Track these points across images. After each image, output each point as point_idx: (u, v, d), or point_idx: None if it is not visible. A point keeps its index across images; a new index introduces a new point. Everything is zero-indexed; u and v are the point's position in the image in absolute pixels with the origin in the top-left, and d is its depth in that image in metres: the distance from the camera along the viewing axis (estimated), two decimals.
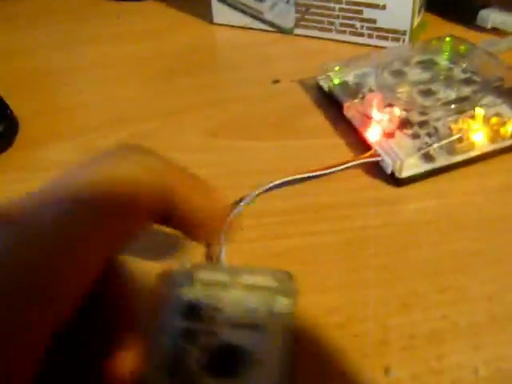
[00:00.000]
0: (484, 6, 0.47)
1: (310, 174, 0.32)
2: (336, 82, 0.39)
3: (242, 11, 0.46)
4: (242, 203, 0.31)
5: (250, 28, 0.47)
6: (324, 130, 0.37)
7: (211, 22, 0.49)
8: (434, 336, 0.25)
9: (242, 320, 0.21)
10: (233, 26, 0.48)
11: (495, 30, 0.46)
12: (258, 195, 0.31)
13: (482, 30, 0.46)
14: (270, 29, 0.46)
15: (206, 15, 0.50)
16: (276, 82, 0.42)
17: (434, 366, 0.24)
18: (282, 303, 0.23)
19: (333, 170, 0.32)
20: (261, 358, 0.21)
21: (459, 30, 0.47)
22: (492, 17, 0.46)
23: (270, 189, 0.32)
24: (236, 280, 0.23)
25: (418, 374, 0.24)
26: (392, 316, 0.26)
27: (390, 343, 0.25)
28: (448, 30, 0.44)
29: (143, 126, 0.39)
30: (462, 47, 0.41)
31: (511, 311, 0.26)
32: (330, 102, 0.39)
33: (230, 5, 0.46)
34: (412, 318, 0.25)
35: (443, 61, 0.40)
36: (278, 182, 0.32)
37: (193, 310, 0.22)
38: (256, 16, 0.46)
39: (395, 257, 0.28)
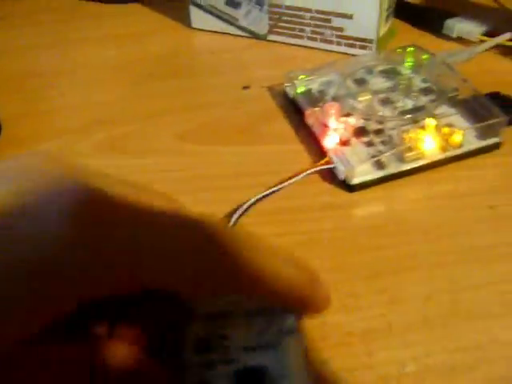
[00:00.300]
0: (450, 16, 0.48)
1: (271, 190, 0.34)
2: (300, 90, 0.41)
3: (219, 17, 0.48)
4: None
5: (227, 33, 0.49)
6: (287, 137, 0.39)
7: (190, 26, 0.51)
8: (369, 334, 0.27)
9: (253, 342, 0.22)
10: (210, 31, 0.50)
11: (461, 39, 0.48)
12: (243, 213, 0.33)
13: (449, 38, 0.48)
14: (245, 34, 0.49)
15: (185, 20, 0.52)
16: (246, 87, 0.44)
17: (365, 361, 0.26)
18: (288, 319, 0.24)
19: (291, 181, 0.34)
20: (282, 374, 0.22)
21: (428, 38, 0.48)
22: (457, 26, 0.48)
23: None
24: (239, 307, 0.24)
25: (349, 368, 0.26)
26: (332, 315, 0.27)
27: (328, 339, 0.27)
28: (416, 38, 0.47)
29: (121, 128, 0.41)
30: (424, 57, 0.43)
31: (443, 312, 0.28)
32: (295, 109, 0.41)
33: (207, 11, 0.48)
34: (350, 316, 0.28)
35: (405, 70, 0.42)
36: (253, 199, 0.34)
37: (203, 344, 0.23)
38: (232, 22, 0.48)
39: (340, 259, 0.30)
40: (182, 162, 0.37)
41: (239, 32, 0.48)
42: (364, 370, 0.26)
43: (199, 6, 0.48)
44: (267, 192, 0.34)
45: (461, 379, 0.25)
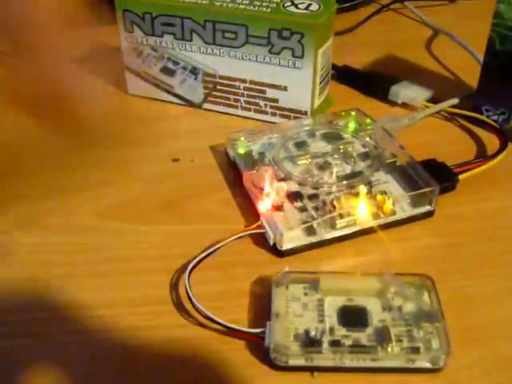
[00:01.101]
0: (395, 82, 0.49)
1: (205, 254, 0.33)
2: (241, 151, 0.41)
3: (154, 84, 0.48)
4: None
5: (163, 100, 0.49)
6: (216, 213, 0.38)
7: (127, 92, 0.50)
8: None
9: None
10: (147, 98, 0.49)
11: (406, 105, 0.48)
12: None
13: (394, 104, 0.49)
14: (180, 102, 0.48)
15: (124, 85, 0.50)
16: (176, 160, 0.42)
17: None
18: None
19: (224, 242, 0.34)
20: None
21: (374, 103, 0.49)
22: (402, 93, 0.48)
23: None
24: None
25: None
26: None
27: None
28: (362, 103, 0.47)
29: (37, 205, 0.38)
30: (367, 121, 0.43)
31: None
32: (234, 173, 0.40)
33: (142, 78, 0.48)
34: None
35: (347, 134, 0.42)
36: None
37: None
38: (167, 90, 0.48)
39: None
40: (99, 241, 0.35)
41: (175, 99, 0.48)
42: None
43: (135, 73, 0.48)
44: (199, 258, 0.33)
45: None
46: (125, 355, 0.29)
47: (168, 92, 0.48)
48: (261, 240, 0.35)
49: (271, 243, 0.34)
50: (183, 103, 0.48)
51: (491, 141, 0.43)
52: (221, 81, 0.46)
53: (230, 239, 0.34)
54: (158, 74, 0.47)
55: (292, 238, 0.34)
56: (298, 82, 0.44)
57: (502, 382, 0.28)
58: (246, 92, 0.46)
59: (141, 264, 0.34)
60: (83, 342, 0.29)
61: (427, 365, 0.27)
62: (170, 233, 0.36)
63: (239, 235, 0.34)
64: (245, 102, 0.46)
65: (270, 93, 0.45)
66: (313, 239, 0.34)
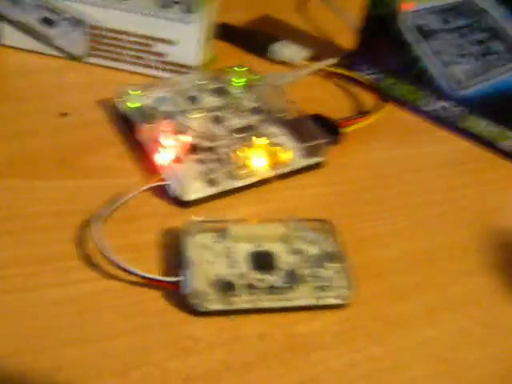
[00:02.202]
0: (274, 40, 0.50)
1: (114, 207, 0.33)
2: (132, 105, 0.40)
3: (32, 35, 0.45)
4: None
5: (42, 53, 0.46)
6: (113, 166, 0.37)
7: (0, 43, 0.47)
8: (209, 377, 0.27)
9: None
10: (24, 50, 0.46)
11: (285, 63, 0.50)
12: None
13: (273, 61, 0.50)
14: (61, 55, 0.46)
15: None
16: (64, 114, 0.41)
17: None
18: None
19: (131, 195, 0.34)
20: None
21: (255, 61, 0.50)
22: (281, 51, 0.50)
23: None
24: None
25: None
26: (171, 360, 0.27)
27: None
28: (244, 60, 0.47)
29: None
30: (254, 78, 0.44)
31: (279, 348, 0.28)
32: (126, 126, 0.40)
33: (20, 28, 0.45)
34: (189, 361, 0.27)
35: (235, 89, 0.43)
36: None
37: None
38: (47, 42, 0.45)
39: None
40: None
41: (55, 52, 0.46)
42: None
43: (11, 23, 0.45)
44: (109, 210, 0.32)
45: None
46: (37, 313, 0.28)
47: (48, 44, 0.45)
48: (163, 192, 0.35)
49: (174, 195, 0.35)
50: (64, 56, 0.46)
51: (370, 98, 0.47)
52: (106, 34, 0.44)
53: (136, 192, 0.34)
54: (36, 24, 0.45)
55: (194, 190, 0.35)
56: (187, 37, 0.43)
57: (400, 310, 0.31)
58: (133, 46, 0.44)
59: (42, 221, 0.33)
60: None
61: (335, 301, 0.29)
62: (68, 188, 0.35)
63: (143, 188, 0.34)
64: (132, 56, 0.45)
65: (158, 47, 0.44)
66: (214, 190, 0.35)
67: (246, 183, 0.36)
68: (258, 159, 0.37)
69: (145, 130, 0.38)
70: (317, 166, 0.39)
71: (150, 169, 0.36)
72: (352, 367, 0.28)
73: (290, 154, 0.38)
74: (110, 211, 0.32)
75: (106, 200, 0.33)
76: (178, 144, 0.37)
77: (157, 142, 0.37)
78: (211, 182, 0.35)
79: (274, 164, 0.37)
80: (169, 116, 0.39)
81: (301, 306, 0.29)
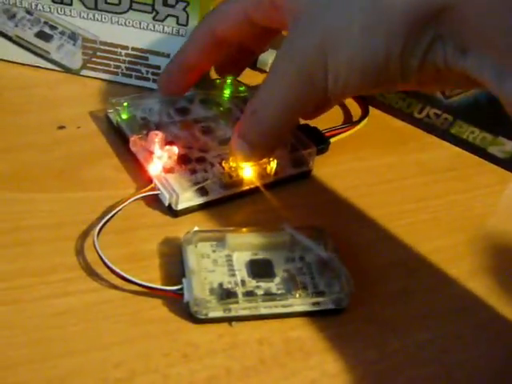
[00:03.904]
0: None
1: (108, 217, 0.33)
2: (124, 116, 0.41)
3: (28, 49, 0.46)
4: None
5: (37, 66, 0.47)
6: (109, 178, 0.38)
7: None
8: (211, 383, 0.27)
9: None
10: (19, 64, 0.47)
11: None
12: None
13: (263, 71, 0.51)
14: (57, 69, 0.47)
15: None
16: (62, 127, 0.41)
17: None
18: None
19: (121, 206, 0.34)
20: None
21: (245, 71, 0.50)
22: (269, 60, 0.50)
23: None
24: None
25: None
26: (173, 367, 0.28)
27: None
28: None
29: None
30: (241, 89, 0.45)
31: (278, 353, 0.29)
32: (119, 137, 0.40)
33: (14, 42, 0.46)
34: (191, 367, 0.28)
35: (224, 100, 0.44)
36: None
37: None
38: (42, 55, 0.46)
39: None
40: None
41: (51, 66, 0.46)
42: None
43: (5, 37, 0.45)
44: (103, 222, 0.33)
45: None
46: (38, 324, 0.28)
47: (43, 58, 0.46)
48: (155, 202, 0.36)
49: (166, 204, 0.35)
50: (59, 69, 0.47)
51: (356, 107, 0.48)
52: (101, 47, 0.45)
53: (127, 202, 0.34)
54: (32, 38, 0.45)
55: (186, 199, 0.35)
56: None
57: (394, 314, 0.32)
58: (127, 59, 0.45)
59: (42, 233, 0.33)
60: None
61: (331, 306, 0.30)
62: (66, 200, 0.35)
63: (134, 198, 0.35)
64: (126, 68, 0.45)
65: (153, 59, 0.45)
66: (204, 199, 0.36)
67: (236, 192, 0.37)
68: (246, 169, 0.37)
69: (137, 141, 0.38)
70: (304, 175, 0.40)
71: (142, 179, 0.37)
72: (348, 371, 0.29)
73: (278, 164, 0.38)
74: (105, 222, 0.33)
75: (104, 211, 0.34)
76: (169, 154, 0.37)
77: (148, 153, 0.37)
78: (202, 191, 0.36)
79: (263, 174, 0.38)
80: (160, 127, 0.40)
81: (298, 311, 0.30)
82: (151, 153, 0.37)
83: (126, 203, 0.34)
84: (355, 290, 0.30)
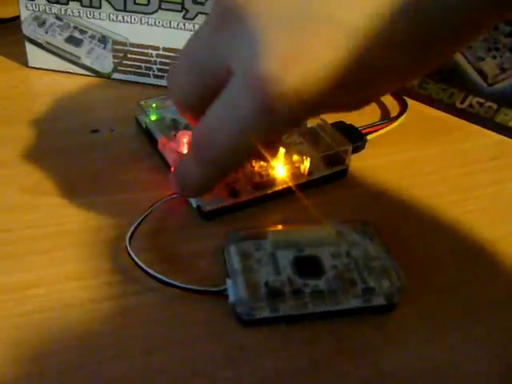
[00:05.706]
0: None
1: (138, 221, 0.32)
2: (153, 118, 0.40)
3: (59, 55, 0.46)
4: None
5: (69, 72, 0.47)
6: (147, 169, 0.38)
7: (27, 65, 0.47)
8: None
9: None
10: (51, 70, 0.47)
11: None
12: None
13: None
14: (88, 73, 0.46)
15: (22, 57, 0.48)
16: (95, 131, 0.41)
17: None
18: None
19: (150, 209, 0.33)
20: None
21: None
22: None
23: None
24: None
25: None
26: (220, 370, 0.27)
27: None
28: None
29: None
30: None
31: (329, 352, 0.28)
32: (150, 140, 0.40)
33: (45, 49, 0.46)
34: (240, 370, 0.27)
35: None
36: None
37: None
38: (73, 61, 0.46)
39: None
40: (33, 217, 0.34)
41: (82, 71, 0.46)
42: None
43: (36, 44, 0.45)
44: (132, 228, 0.32)
45: None
46: (81, 329, 0.28)
47: (74, 63, 0.46)
48: (184, 204, 0.35)
49: (194, 206, 0.35)
50: (91, 74, 0.46)
51: (393, 102, 0.46)
52: (132, 49, 0.44)
53: (156, 205, 0.33)
54: (63, 44, 0.45)
55: (216, 200, 0.34)
56: None
57: (447, 309, 0.30)
58: (158, 59, 0.45)
59: (79, 237, 0.33)
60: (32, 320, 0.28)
61: (382, 302, 0.29)
62: (102, 204, 0.35)
63: (163, 200, 0.33)
64: (157, 69, 0.45)
65: None
66: (235, 200, 0.35)
67: (267, 193, 0.36)
68: (278, 169, 0.36)
69: (166, 142, 0.38)
70: (341, 174, 0.38)
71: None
72: (404, 368, 0.27)
73: (312, 163, 0.37)
74: (136, 225, 0.32)
75: (138, 214, 0.33)
76: None
77: (177, 154, 0.36)
78: (233, 192, 0.35)
79: (296, 173, 0.37)
80: (189, 127, 0.39)
81: (348, 308, 0.29)
82: (180, 154, 0.36)
83: (154, 206, 0.33)
84: (407, 284, 0.29)
